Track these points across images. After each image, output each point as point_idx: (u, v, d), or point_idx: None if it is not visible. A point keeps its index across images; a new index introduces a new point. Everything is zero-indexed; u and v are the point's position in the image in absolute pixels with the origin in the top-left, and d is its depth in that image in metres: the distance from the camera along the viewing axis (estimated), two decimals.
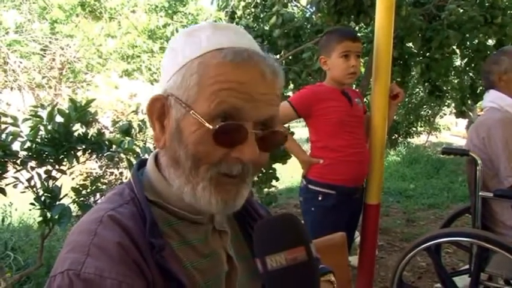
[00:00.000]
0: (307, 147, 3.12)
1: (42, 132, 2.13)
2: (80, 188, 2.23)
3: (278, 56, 4.87)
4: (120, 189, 0.82)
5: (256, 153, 0.73)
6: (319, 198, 2.30)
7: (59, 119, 2.16)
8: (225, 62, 0.72)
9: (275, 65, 0.77)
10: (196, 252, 0.80)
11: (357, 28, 4.96)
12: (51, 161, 2.17)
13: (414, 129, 14.23)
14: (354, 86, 2.48)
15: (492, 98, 2.38)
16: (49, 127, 2.13)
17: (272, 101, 0.76)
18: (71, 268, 0.65)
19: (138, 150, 2.51)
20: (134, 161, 2.42)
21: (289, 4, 5.28)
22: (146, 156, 2.57)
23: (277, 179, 3.96)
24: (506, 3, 4.57)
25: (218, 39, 0.76)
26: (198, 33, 0.78)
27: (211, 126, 0.70)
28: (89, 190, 2.36)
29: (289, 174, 7.57)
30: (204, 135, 0.71)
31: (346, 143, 2.28)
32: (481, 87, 5.10)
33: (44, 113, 2.19)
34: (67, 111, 2.17)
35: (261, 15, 5.25)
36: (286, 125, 2.54)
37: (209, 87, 0.72)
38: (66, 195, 2.19)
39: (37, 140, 2.11)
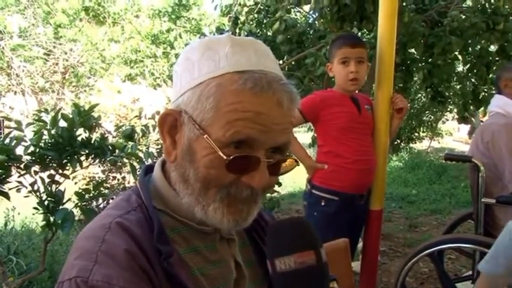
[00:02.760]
0: (310, 152, 3.13)
1: (45, 137, 2.14)
2: (83, 193, 2.23)
3: (281, 62, 4.88)
4: (127, 195, 0.82)
5: (266, 179, 0.73)
6: (322, 204, 2.30)
7: (62, 123, 2.17)
8: (244, 90, 0.71)
9: (293, 91, 0.76)
10: (204, 258, 0.80)
11: (359, 34, 4.97)
12: (55, 165, 2.17)
13: (416, 134, 14.23)
14: (357, 91, 2.48)
15: (499, 104, 2.38)
16: (53, 131, 2.14)
17: (286, 129, 0.75)
18: (79, 275, 0.66)
19: (141, 155, 2.52)
20: (137, 166, 2.43)
21: (292, 10, 5.30)
22: (149, 161, 2.59)
23: (279, 184, 3.96)
24: (508, 10, 4.58)
25: (237, 60, 0.74)
26: (216, 48, 0.76)
27: (224, 157, 0.70)
28: (91, 195, 2.37)
29: (291, 179, 7.58)
30: (215, 161, 0.71)
31: (351, 149, 2.28)
32: (483, 93, 5.11)
33: (47, 118, 2.20)
34: (71, 116, 2.18)
35: (264, 21, 5.27)
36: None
37: (225, 114, 0.71)
38: (69, 199, 2.20)
39: (41, 144, 2.11)
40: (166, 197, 0.81)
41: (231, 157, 0.70)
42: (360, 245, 2.72)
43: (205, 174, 0.73)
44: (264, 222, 0.96)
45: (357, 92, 2.46)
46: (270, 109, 0.72)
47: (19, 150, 2.07)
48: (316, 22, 5.09)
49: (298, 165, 0.86)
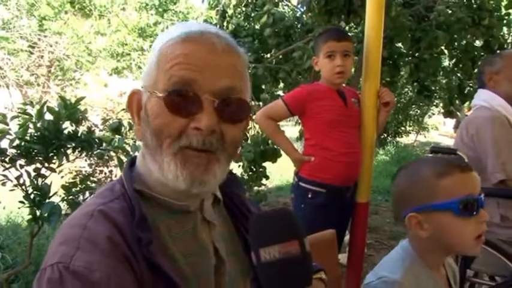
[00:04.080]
0: (297, 145, 3.14)
1: (31, 130, 2.12)
2: (70, 186, 2.22)
3: (269, 55, 4.88)
4: (111, 185, 0.83)
5: (212, 120, 0.74)
6: (309, 196, 2.32)
7: (48, 116, 2.15)
8: (178, 41, 0.76)
9: (230, 40, 0.79)
10: (186, 245, 0.81)
11: (347, 28, 4.99)
12: (41, 158, 2.16)
13: (403, 128, 14.36)
14: (344, 85, 2.49)
15: (484, 97, 2.40)
16: (38, 125, 2.12)
17: (227, 72, 0.77)
18: (60, 261, 0.67)
19: (128, 148, 2.51)
20: (124, 159, 2.42)
21: (280, 3, 5.30)
22: (137, 154, 2.57)
23: (267, 178, 3.98)
24: (493, 5, 4.64)
25: (182, 29, 0.79)
26: (169, 29, 0.83)
27: (161, 94, 0.74)
28: (78, 188, 2.35)
29: (278, 172, 7.61)
30: (160, 108, 0.75)
31: (337, 142, 2.29)
32: (468, 88, 5.17)
33: (32, 111, 2.18)
34: (57, 109, 2.17)
35: (252, 14, 5.25)
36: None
37: (163, 67, 0.76)
38: (55, 193, 2.18)
39: (26, 137, 2.10)
40: (145, 177, 0.83)
41: (167, 92, 0.74)
42: (347, 237, 2.75)
43: (155, 126, 0.75)
44: (250, 214, 0.96)
45: (343, 85, 2.48)
46: (200, 51, 0.75)
47: (4, 144, 2.05)
48: (304, 16, 5.09)
49: (251, 110, 0.86)
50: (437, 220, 1.12)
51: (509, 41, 5.06)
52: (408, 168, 1.24)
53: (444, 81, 6.31)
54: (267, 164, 3.88)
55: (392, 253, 1.27)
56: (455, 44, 4.78)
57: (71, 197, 2.26)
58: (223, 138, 0.77)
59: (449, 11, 4.43)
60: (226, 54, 0.77)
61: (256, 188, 3.94)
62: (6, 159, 2.07)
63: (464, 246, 1.14)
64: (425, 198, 1.13)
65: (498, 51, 4.05)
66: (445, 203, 1.10)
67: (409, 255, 1.20)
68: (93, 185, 3.00)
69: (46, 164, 2.17)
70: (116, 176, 4.31)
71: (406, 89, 11.52)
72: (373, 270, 1.24)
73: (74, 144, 2.23)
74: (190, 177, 0.75)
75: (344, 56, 2.30)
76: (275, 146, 3.65)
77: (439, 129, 20.62)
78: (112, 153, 2.51)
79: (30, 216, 2.09)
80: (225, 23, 5.09)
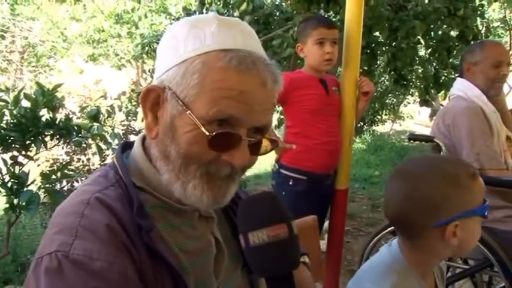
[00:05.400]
0: (277, 133, 3.16)
1: (7, 117, 2.07)
2: (49, 174, 2.18)
3: None
4: (104, 171, 0.82)
5: (247, 159, 0.75)
6: (290, 183, 2.34)
7: (24, 103, 2.11)
8: (229, 68, 0.72)
9: (277, 72, 0.77)
10: (183, 234, 0.81)
11: (326, 16, 5.01)
12: (17, 146, 2.11)
13: (379, 117, 14.49)
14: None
15: (461, 87, 2.43)
16: (15, 112, 2.07)
17: (268, 110, 0.77)
18: (59, 249, 0.66)
19: (107, 136, 2.48)
20: (103, 147, 2.39)
21: None
22: (116, 141, 2.55)
23: None
24: None
25: (223, 39, 0.75)
26: (202, 26, 0.76)
27: (207, 132, 0.71)
28: (54, 177, 2.32)
29: (257, 161, 7.64)
30: (197, 138, 0.72)
31: (319, 131, 2.32)
32: (444, 77, 5.27)
33: (8, 97, 2.13)
34: (33, 96, 2.12)
35: (231, 1, 5.21)
36: None
37: (210, 92, 0.72)
38: (33, 181, 2.14)
39: (2, 125, 2.05)
40: (147, 174, 0.81)
41: (214, 133, 0.71)
42: (326, 224, 2.78)
43: (187, 150, 0.73)
44: (239, 199, 0.97)
45: (325, 73, 2.49)
46: (253, 88, 0.73)
47: None
48: (284, 3, 5.08)
49: (278, 146, 0.88)
50: (469, 226, 1.03)
51: (482, 31, 5.17)
52: (426, 170, 1.07)
53: (420, 70, 6.41)
54: None
55: (379, 258, 1.17)
56: (432, 33, 4.85)
57: (48, 185, 2.22)
58: (245, 167, 0.80)
59: (426, 1, 4.50)
60: (272, 90, 0.76)
61: None
62: None
63: (471, 249, 1.09)
64: (468, 203, 1.02)
65: (480, 40, 4.13)
66: (480, 208, 1.03)
67: (398, 264, 1.10)
68: (71, 173, 2.96)
69: (23, 152, 2.13)
70: (93, 165, 4.25)
71: (383, 78, 11.63)
72: (355, 278, 1.15)
73: (52, 132, 2.18)
74: (212, 199, 0.77)
75: (333, 43, 2.31)
76: None
77: (414, 118, 20.89)
78: (90, 141, 2.47)
79: (7, 205, 2.05)
80: (204, 10, 5.04)
